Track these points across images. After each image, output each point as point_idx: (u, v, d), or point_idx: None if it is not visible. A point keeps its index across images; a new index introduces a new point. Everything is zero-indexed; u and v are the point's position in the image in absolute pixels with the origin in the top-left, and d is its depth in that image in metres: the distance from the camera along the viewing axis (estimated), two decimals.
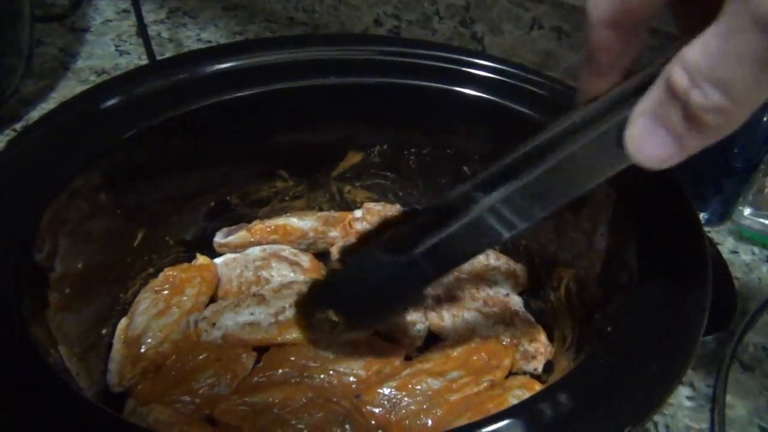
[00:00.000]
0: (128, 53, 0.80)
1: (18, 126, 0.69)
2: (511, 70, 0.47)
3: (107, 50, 0.81)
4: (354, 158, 0.54)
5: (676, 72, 0.23)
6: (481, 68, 0.48)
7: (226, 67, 0.48)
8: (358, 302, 0.41)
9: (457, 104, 0.47)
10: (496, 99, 0.47)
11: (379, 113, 0.50)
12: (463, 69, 0.48)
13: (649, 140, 0.26)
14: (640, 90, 0.26)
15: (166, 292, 0.48)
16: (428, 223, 0.36)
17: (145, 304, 0.47)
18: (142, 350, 0.45)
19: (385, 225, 0.38)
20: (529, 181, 0.32)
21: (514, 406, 0.32)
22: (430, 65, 0.48)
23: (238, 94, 0.47)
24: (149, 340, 0.45)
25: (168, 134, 0.45)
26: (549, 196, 0.32)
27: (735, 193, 0.62)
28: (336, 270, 0.42)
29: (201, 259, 0.51)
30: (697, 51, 0.23)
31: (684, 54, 0.23)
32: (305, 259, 0.52)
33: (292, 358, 0.45)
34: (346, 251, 0.41)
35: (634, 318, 0.35)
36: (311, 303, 0.43)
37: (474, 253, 0.38)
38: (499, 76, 0.47)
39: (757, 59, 0.22)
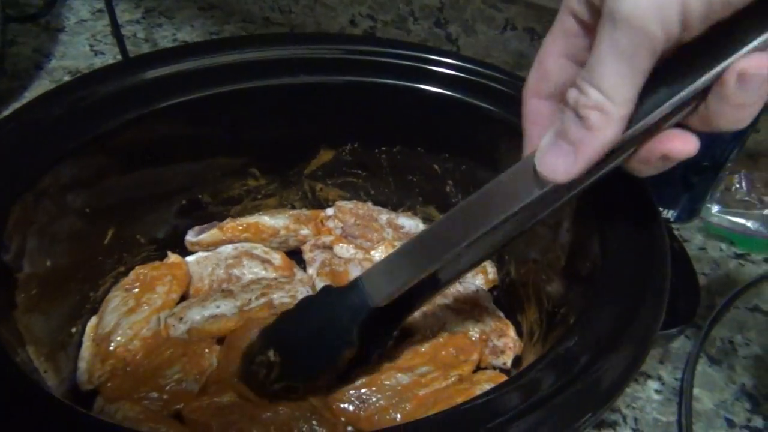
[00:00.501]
0: (103, 53, 0.80)
1: None
2: (478, 68, 0.48)
3: (81, 50, 0.80)
4: (325, 156, 0.55)
5: (569, 93, 0.28)
6: (448, 66, 0.48)
7: (196, 66, 0.48)
8: (297, 343, 0.42)
9: (425, 102, 0.48)
10: (463, 97, 0.47)
11: (349, 111, 0.51)
12: (431, 67, 0.48)
13: (551, 153, 0.29)
14: None
15: (136, 290, 0.48)
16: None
17: (115, 302, 0.47)
18: (111, 348, 0.45)
19: None
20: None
21: (478, 396, 0.32)
22: (399, 64, 0.48)
23: (209, 92, 0.47)
24: (119, 338, 0.45)
25: (137, 133, 0.45)
26: (477, 225, 0.34)
27: (703, 190, 0.63)
28: (287, 311, 0.43)
29: (172, 258, 0.51)
30: (585, 66, 0.27)
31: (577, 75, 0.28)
32: (277, 257, 0.52)
33: None
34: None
35: (595, 309, 0.36)
36: (257, 346, 0.43)
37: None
38: (466, 74, 0.48)
39: (619, 54, 0.26)
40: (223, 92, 0.47)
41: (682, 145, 0.30)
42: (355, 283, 0.39)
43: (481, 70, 0.48)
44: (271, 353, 0.42)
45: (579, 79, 0.27)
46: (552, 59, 0.33)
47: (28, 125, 0.43)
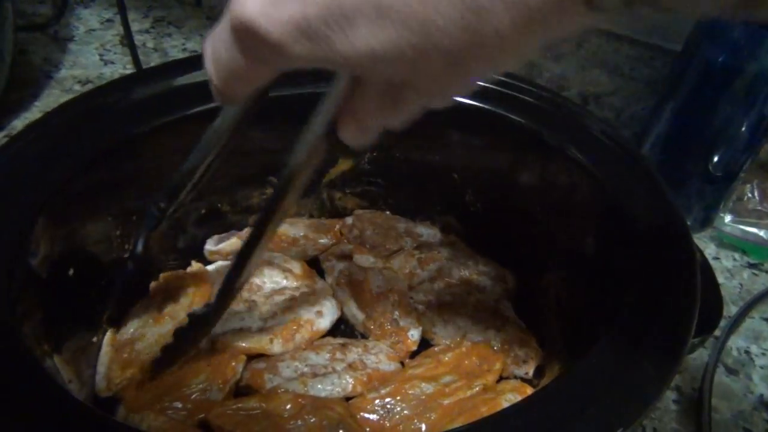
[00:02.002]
0: (113, 62, 0.80)
1: (0, 135, 0.68)
2: (503, 78, 0.48)
3: (91, 59, 0.80)
4: (344, 165, 0.55)
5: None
6: None
7: None
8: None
9: (447, 112, 0.48)
10: (486, 106, 0.47)
11: None
12: None
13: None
14: None
15: (160, 299, 0.48)
16: None
17: (138, 311, 0.47)
18: (133, 356, 0.44)
19: None
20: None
21: (507, 409, 0.32)
22: None
23: None
24: (141, 347, 0.44)
25: (161, 140, 0.45)
26: None
27: (716, 200, 0.64)
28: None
29: (195, 266, 0.51)
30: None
31: None
32: (297, 266, 0.52)
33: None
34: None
35: (624, 323, 0.36)
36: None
37: None
38: (490, 83, 0.48)
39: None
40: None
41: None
42: None
43: (506, 80, 0.48)
44: None
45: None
46: None
47: (54, 131, 0.42)
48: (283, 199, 0.35)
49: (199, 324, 0.41)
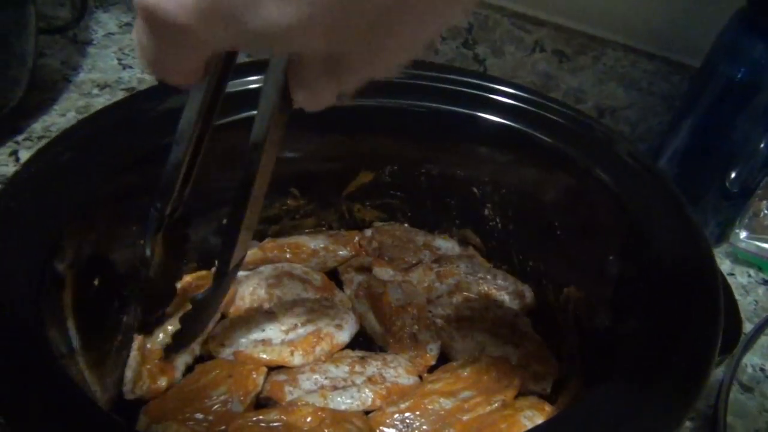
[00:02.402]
0: (131, 67, 0.80)
1: (20, 138, 0.69)
2: (528, 96, 0.48)
3: (110, 64, 0.80)
4: (365, 178, 0.55)
5: None
6: (501, 94, 0.49)
7: (255, 85, 0.48)
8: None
9: (477, 129, 0.48)
10: (513, 124, 0.48)
11: (396, 135, 0.51)
12: (484, 94, 0.49)
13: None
14: None
15: (179, 297, 0.48)
16: None
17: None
18: (147, 353, 0.45)
19: None
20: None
21: (530, 430, 0.32)
22: (451, 89, 0.49)
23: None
24: (155, 340, 0.45)
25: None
26: None
27: (732, 216, 0.64)
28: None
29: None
30: None
31: None
32: (317, 278, 0.52)
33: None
34: None
35: (646, 344, 0.36)
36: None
37: None
38: (516, 101, 0.48)
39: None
40: None
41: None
42: None
43: (534, 98, 0.48)
44: None
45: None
46: None
47: (86, 139, 0.43)
48: (254, 178, 0.35)
49: (201, 308, 0.42)
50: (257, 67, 0.50)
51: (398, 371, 0.47)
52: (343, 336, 0.49)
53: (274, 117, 0.33)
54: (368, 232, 0.56)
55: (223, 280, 0.40)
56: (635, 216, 0.42)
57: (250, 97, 0.48)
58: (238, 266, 0.41)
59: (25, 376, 0.32)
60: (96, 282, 0.43)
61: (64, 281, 0.39)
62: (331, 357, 0.48)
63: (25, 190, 0.40)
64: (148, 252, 0.42)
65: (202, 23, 0.23)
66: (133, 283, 0.46)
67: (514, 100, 0.48)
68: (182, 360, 0.46)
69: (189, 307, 0.42)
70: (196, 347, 0.47)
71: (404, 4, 0.22)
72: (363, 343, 0.51)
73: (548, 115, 0.48)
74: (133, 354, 0.45)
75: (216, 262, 0.40)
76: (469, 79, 0.50)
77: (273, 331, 0.47)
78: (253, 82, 0.48)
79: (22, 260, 0.36)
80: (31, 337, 0.34)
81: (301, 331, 0.48)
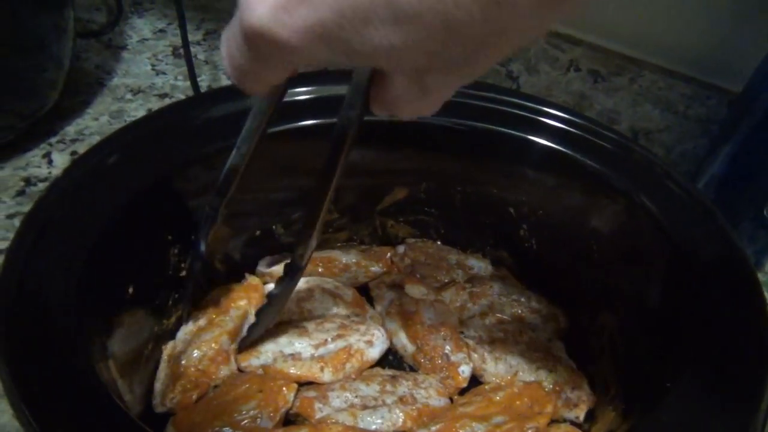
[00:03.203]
0: (164, 73, 0.80)
1: (53, 140, 0.69)
2: (576, 120, 0.48)
3: (143, 69, 0.81)
4: (400, 194, 0.54)
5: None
6: (551, 117, 0.48)
7: (294, 97, 0.48)
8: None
9: (522, 150, 0.48)
10: (558, 147, 0.47)
11: (437, 152, 0.51)
12: (534, 117, 0.48)
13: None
14: None
15: (210, 309, 0.48)
16: None
17: (189, 322, 0.47)
18: (182, 368, 0.44)
19: None
20: None
21: None
22: (492, 108, 0.48)
23: (304, 123, 0.47)
24: (190, 356, 0.45)
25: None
26: None
27: (767, 245, 0.63)
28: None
29: (250, 279, 0.51)
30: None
31: None
32: (348, 293, 0.52)
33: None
34: None
35: (696, 375, 0.35)
36: None
37: None
38: (563, 124, 0.48)
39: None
40: (317, 124, 0.47)
41: None
42: None
43: (579, 122, 0.48)
44: None
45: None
46: None
47: (126, 147, 0.43)
48: (332, 178, 0.37)
49: (275, 302, 0.44)
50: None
51: (429, 392, 0.46)
52: (374, 353, 0.48)
53: (356, 122, 0.35)
54: (401, 249, 0.56)
55: (297, 274, 0.43)
56: (680, 244, 0.42)
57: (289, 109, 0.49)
58: (308, 262, 0.43)
59: (61, 383, 0.32)
60: (130, 291, 0.42)
61: (103, 286, 0.39)
62: (361, 374, 0.47)
63: (66, 195, 0.40)
64: (202, 248, 0.44)
65: (311, 46, 0.24)
66: (186, 279, 0.47)
67: (561, 123, 0.48)
68: (223, 372, 0.45)
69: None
70: (233, 361, 0.46)
71: (501, 29, 0.23)
72: (393, 361, 0.50)
73: (595, 140, 0.47)
74: (162, 366, 0.45)
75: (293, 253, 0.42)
76: (513, 99, 0.49)
77: (302, 346, 0.47)
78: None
79: (61, 264, 0.36)
80: (70, 343, 0.33)
81: (331, 346, 0.47)
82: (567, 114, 0.48)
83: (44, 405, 0.30)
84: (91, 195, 0.40)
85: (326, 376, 0.46)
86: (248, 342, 0.47)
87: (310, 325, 0.48)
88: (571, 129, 0.47)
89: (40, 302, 0.34)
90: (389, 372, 0.48)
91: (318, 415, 0.44)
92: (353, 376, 0.47)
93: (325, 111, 0.49)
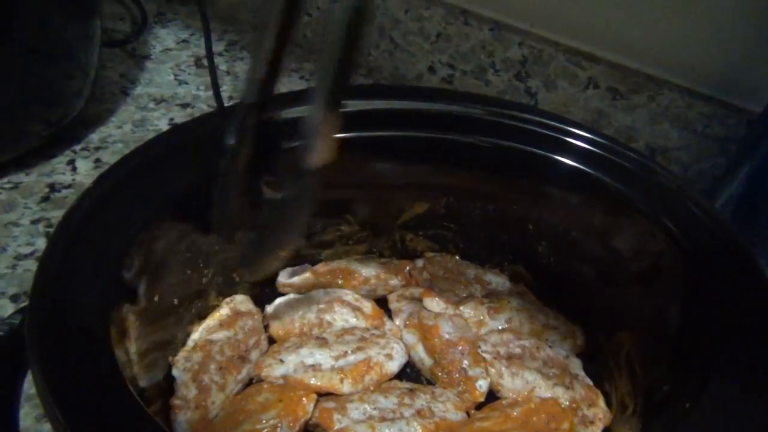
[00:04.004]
0: (186, 83, 0.82)
1: (77, 147, 0.70)
2: (602, 141, 0.48)
3: (166, 79, 0.82)
4: (420, 208, 0.55)
5: None
6: (574, 136, 0.49)
7: None
8: None
9: (546, 169, 0.48)
10: (580, 166, 0.47)
11: (455, 168, 0.51)
12: (557, 135, 0.49)
13: None
14: None
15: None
16: None
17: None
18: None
19: None
20: None
21: None
22: (516, 126, 0.49)
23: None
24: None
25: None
26: None
27: None
28: None
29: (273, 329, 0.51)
30: None
31: None
32: (368, 306, 0.52)
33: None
34: None
35: (716, 399, 0.35)
36: None
37: None
38: (588, 145, 0.48)
39: None
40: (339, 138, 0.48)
41: None
42: None
43: (603, 141, 0.48)
44: None
45: None
46: None
47: (153, 160, 0.44)
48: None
49: (285, 209, 0.40)
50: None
51: (447, 406, 0.46)
52: (393, 366, 0.48)
53: None
54: (419, 263, 0.56)
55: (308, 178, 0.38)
56: (699, 264, 0.42)
57: None
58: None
59: (91, 387, 0.32)
60: (155, 300, 0.43)
61: (130, 293, 0.40)
62: (380, 387, 0.47)
63: (97, 202, 0.41)
64: (231, 141, 0.40)
65: None
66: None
67: (584, 143, 0.48)
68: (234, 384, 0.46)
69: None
70: (245, 372, 0.47)
71: None
72: (410, 374, 0.50)
73: (617, 159, 0.47)
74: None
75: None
76: (536, 117, 0.50)
77: (323, 357, 0.47)
78: None
79: (93, 273, 0.37)
80: (99, 347, 0.34)
81: (351, 358, 0.47)
82: (590, 133, 0.49)
83: (75, 408, 0.31)
84: (120, 204, 0.41)
85: (346, 387, 0.46)
86: (252, 264, 0.43)
87: (331, 337, 0.49)
88: (594, 149, 0.48)
89: (73, 310, 0.35)
90: (407, 385, 0.48)
91: (337, 426, 0.44)
92: (372, 389, 0.47)
93: (344, 125, 0.49)
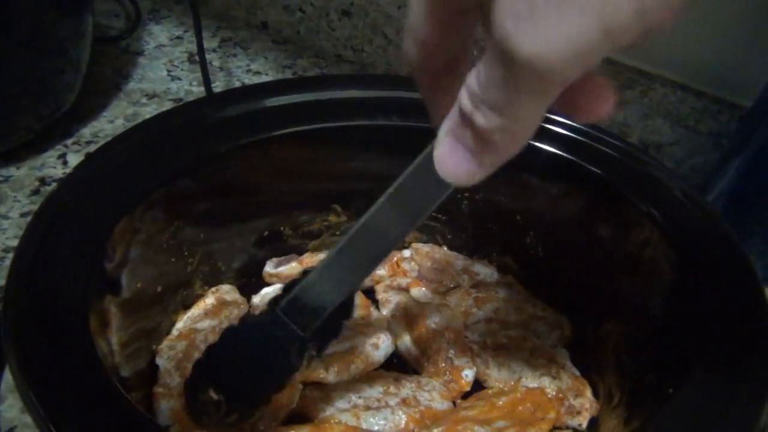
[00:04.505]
0: (179, 79, 0.82)
1: (69, 142, 0.70)
2: (583, 127, 0.48)
3: (159, 74, 0.82)
4: None
5: (462, 95, 0.24)
6: (555, 124, 0.49)
7: (305, 99, 0.49)
8: (233, 376, 0.39)
9: (529, 158, 0.48)
10: (564, 154, 0.47)
11: None
12: (545, 125, 0.48)
13: (451, 158, 0.27)
14: None
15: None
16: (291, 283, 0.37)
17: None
18: None
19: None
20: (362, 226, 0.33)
21: None
22: None
23: (313, 126, 0.48)
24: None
25: (243, 159, 0.46)
26: (388, 232, 0.33)
27: None
28: (212, 344, 0.40)
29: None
30: (473, 76, 0.24)
31: (467, 78, 0.24)
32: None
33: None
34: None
35: (698, 387, 0.35)
36: (195, 384, 0.40)
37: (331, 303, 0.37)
38: (570, 132, 0.48)
39: (506, 84, 0.22)
40: (329, 127, 0.48)
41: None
42: (277, 318, 0.37)
43: (588, 130, 0.48)
44: (211, 391, 0.39)
45: (470, 90, 0.24)
46: (429, 30, 0.28)
47: (137, 145, 0.44)
48: None
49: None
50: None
51: (432, 395, 0.46)
52: (379, 356, 0.48)
53: None
54: (406, 253, 0.56)
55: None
56: (686, 254, 0.42)
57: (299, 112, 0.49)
58: None
59: (70, 376, 0.32)
60: (138, 286, 0.43)
61: (111, 283, 0.40)
62: (365, 376, 0.47)
63: (77, 190, 0.40)
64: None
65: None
66: None
67: (569, 131, 0.48)
68: None
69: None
70: None
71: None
72: (397, 364, 0.50)
73: (602, 148, 0.47)
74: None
75: None
76: None
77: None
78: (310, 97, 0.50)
79: (70, 260, 0.37)
80: (79, 337, 0.34)
81: (336, 347, 0.47)
82: (573, 122, 0.49)
83: (54, 398, 0.31)
84: (102, 192, 0.41)
85: (331, 376, 0.46)
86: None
87: None
88: (578, 137, 0.48)
89: (49, 299, 0.35)
90: (393, 374, 0.48)
91: (321, 415, 0.44)
92: (357, 378, 0.47)
93: (331, 115, 0.50)
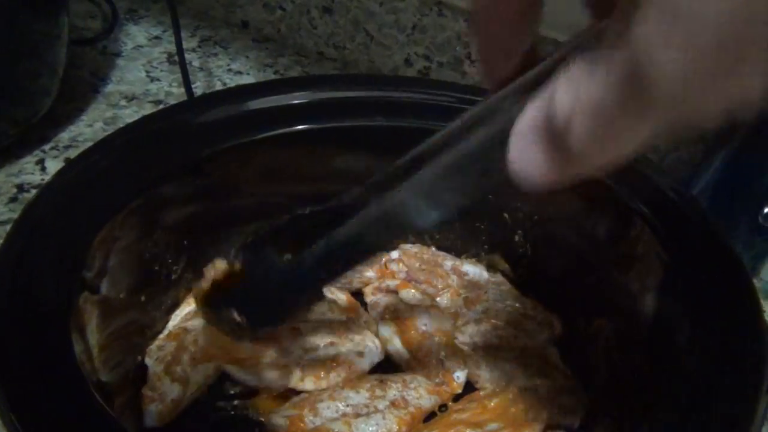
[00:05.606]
0: (159, 80, 0.80)
1: (47, 147, 0.69)
2: None
3: (138, 76, 0.81)
4: None
5: (560, 91, 0.21)
6: None
7: (289, 102, 0.48)
8: (256, 304, 0.38)
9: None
10: None
11: None
12: None
13: (526, 158, 0.23)
14: (536, 85, 0.23)
15: None
16: (320, 224, 0.35)
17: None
18: None
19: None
20: (422, 178, 0.30)
21: None
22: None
23: (298, 128, 0.47)
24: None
25: (229, 162, 0.45)
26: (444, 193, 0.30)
27: (764, 251, 0.62)
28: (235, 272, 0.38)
29: None
30: (579, 73, 0.20)
31: (568, 71, 0.21)
32: (342, 298, 0.51)
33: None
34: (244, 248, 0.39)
35: (688, 382, 0.35)
36: (214, 300, 0.39)
37: (363, 256, 0.36)
38: None
39: (626, 100, 0.19)
40: (323, 128, 0.47)
41: None
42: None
43: None
44: (233, 312, 0.38)
45: (579, 104, 0.20)
46: None
47: (117, 151, 0.43)
48: None
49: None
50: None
51: (419, 392, 0.45)
52: (363, 364, 0.47)
53: None
54: (395, 254, 0.55)
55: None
56: (675, 250, 0.41)
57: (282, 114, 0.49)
58: None
59: (50, 387, 0.31)
60: (121, 296, 0.42)
61: (92, 290, 0.39)
62: (348, 382, 0.46)
63: (57, 198, 0.39)
64: None
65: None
66: None
67: None
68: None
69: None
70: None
71: None
72: (388, 368, 0.50)
73: None
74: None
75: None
76: None
77: (292, 348, 0.46)
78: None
79: (51, 268, 0.36)
80: (58, 346, 0.33)
81: (321, 353, 0.47)
82: None
83: (31, 409, 0.30)
84: (82, 199, 0.40)
85: (307, 384, 0.46)
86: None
87: (304, 328, 0.48)
88: None
89: (30, 307, 0.34)
90: (376, 376, 0.47)
91: (310, 427, 0.43)
92: (340, 386, 0.46)
93: (315, 116, 0.49)
